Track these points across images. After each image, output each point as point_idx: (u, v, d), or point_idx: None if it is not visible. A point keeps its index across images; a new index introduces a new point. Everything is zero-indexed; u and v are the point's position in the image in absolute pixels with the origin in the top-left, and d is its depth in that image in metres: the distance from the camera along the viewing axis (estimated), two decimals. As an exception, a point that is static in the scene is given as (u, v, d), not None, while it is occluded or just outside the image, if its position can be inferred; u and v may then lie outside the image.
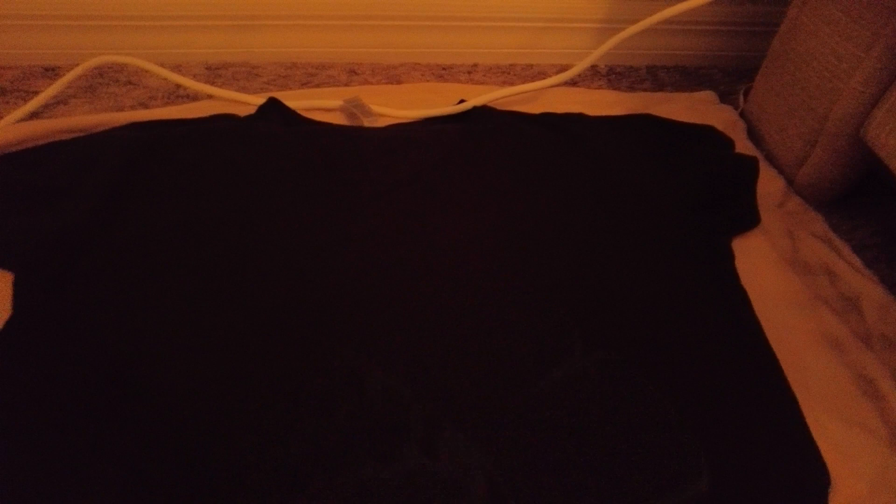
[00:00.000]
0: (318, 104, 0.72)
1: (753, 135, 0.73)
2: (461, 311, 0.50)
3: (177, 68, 0.78)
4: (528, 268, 0.54)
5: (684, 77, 0.84)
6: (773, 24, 0.70)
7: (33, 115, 0.70)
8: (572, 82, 0.79)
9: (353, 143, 0.65)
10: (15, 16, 0.75)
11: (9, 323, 0.47)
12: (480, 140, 0.66)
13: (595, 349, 0.48)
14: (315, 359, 0.46)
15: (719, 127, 0.72)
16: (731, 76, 0.84)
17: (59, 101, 0.73)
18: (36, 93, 0.72)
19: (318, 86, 0.78)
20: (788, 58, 0.67)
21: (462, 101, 0.72)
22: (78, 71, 0.72)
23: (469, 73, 0.81)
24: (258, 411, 0.43)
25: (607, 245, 0.56)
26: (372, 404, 0.44)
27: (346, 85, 0.78)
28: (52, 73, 0.77)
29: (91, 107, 0.73)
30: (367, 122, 0.69)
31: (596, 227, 0.58)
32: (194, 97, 0.75)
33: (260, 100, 0.70)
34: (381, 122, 0.70)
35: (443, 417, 0.43)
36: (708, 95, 0.78)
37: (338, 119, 0.71)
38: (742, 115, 0.75)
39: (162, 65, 0.75)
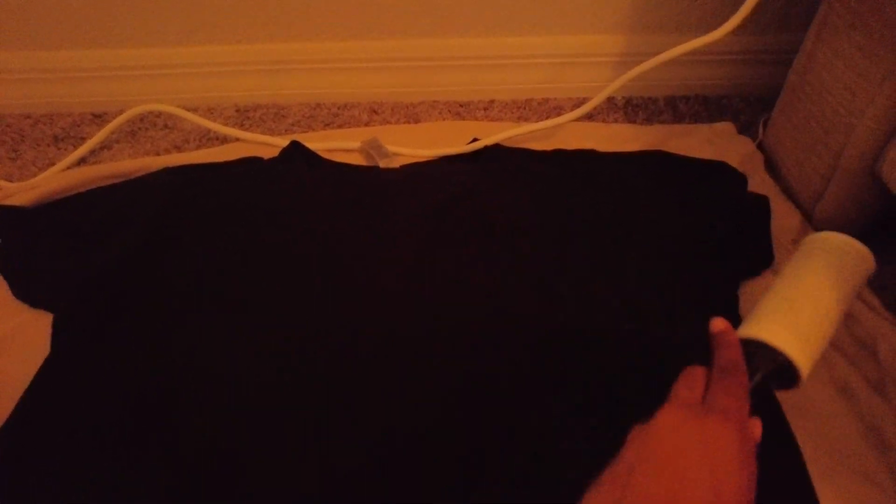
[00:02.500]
0: (337, 146, 0.75)
1: (772, 167, 0.72)
2: (472, 347, 0.52)
3: (210, 111, 0.83)
4: (535, 308, 0.55)
5: (705, 108, 0.83)
6: (792, 52, 0.68)
7: (81, 161, 0.77)
8: (588, 116, 0.80)
9: (369, 184, 0.68)
10: (69, 69, 0.82)
11: (47, 361, 0.52)
12: (491, 180, 0.67)
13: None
14: (340, 388, 0.49)
15: (737, 159, 0.71)
16: (752, 106, 0.83)
17: (103, 147, 0.79)
18: (85, 139, 0.79)
19: (341, 125, 0.82)
20: (804, 91, 0.66)
21: (475, 139, 0.74)
22: (121, 119, 0.78)
23: (486, 109, 0.83)
24: (284, 440, 0.46)
25: (615, 288, 0.57)
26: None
27: (367, 124, 0.82)
28: (99, 119, 0.84)
29: (133, 150, 0.79)
30: (382, 163, 0.72)
31: (604, 268, 0.58)
32: (224, 139, 0.80)
33: (284, 142, 0.74)
34: (397, 162, 0.73)
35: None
36: (726, 127, 0.77)
37: (357, 159, 0.75)
38: (761, 146, 0.74)
39: (197, 107, 0.80)
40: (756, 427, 0.35)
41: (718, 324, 0.38)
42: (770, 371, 0.38)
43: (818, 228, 0.65)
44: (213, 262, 0.59)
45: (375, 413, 0.48)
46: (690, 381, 0.35)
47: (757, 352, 0.38)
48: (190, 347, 0.52)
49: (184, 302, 0.56)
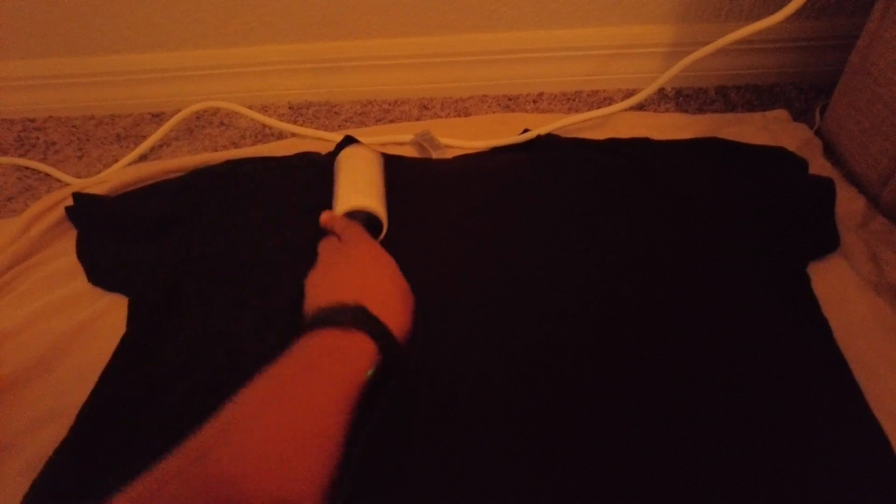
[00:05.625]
0: (390, 139, 0.76)
1: (832, 153, 0.71)
2: (527, 340, 0.52)
3: (264, 109, 0.86)
4: (596, 297, 0.55)
5: (756, 96, 0.82)
6: (848, 37, 0.67)
7: (142, 158, 0.79)
8: (639, 107, 0.79)
9: (424, 175, 0.68)
10: (128, 72, 0.85)
11: (124, 338, 0.54)
12: (545, 169, 0.68)
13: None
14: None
15: (793, 146, 0.70)
16: (806, 93, 0.82)
17: (163, 144, 0.82)
18: (145, 137, 0.81)
19: (392, 121, 0.83)
20: (868, 72, 0.64)
21: (526, 130, 0.74)
22: (179, 117, 0.80)
23: (535, 102, 0.84)
24: None
25: (677, 276, 0.56)
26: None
27: (418, 119, 0.82)
28: (158, 118, 0.86)
29: (191, 147, 0.81)
30: (435, 154, 0.72)
31: (665, 257, 0.58)
32: (280, 136, 0.81)
33: (340, 137, 0.75)
34: (449, 154, 0.73)
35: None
36: (781, 114, 0.76)
37: (409, 152, 0.75)
38: (818, 132, 0.73)
39: (251, 106, 0.82)
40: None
41: (324, 218, 0.57)
42: (363, 218, 0.59)
43: (887, 212, 0.63)
44: (268, 248, 0.60)
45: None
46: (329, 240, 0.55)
47: (355, 214, 0.59)
48: (248, 326, 0.54)
49: (241, 284, 0.57)
